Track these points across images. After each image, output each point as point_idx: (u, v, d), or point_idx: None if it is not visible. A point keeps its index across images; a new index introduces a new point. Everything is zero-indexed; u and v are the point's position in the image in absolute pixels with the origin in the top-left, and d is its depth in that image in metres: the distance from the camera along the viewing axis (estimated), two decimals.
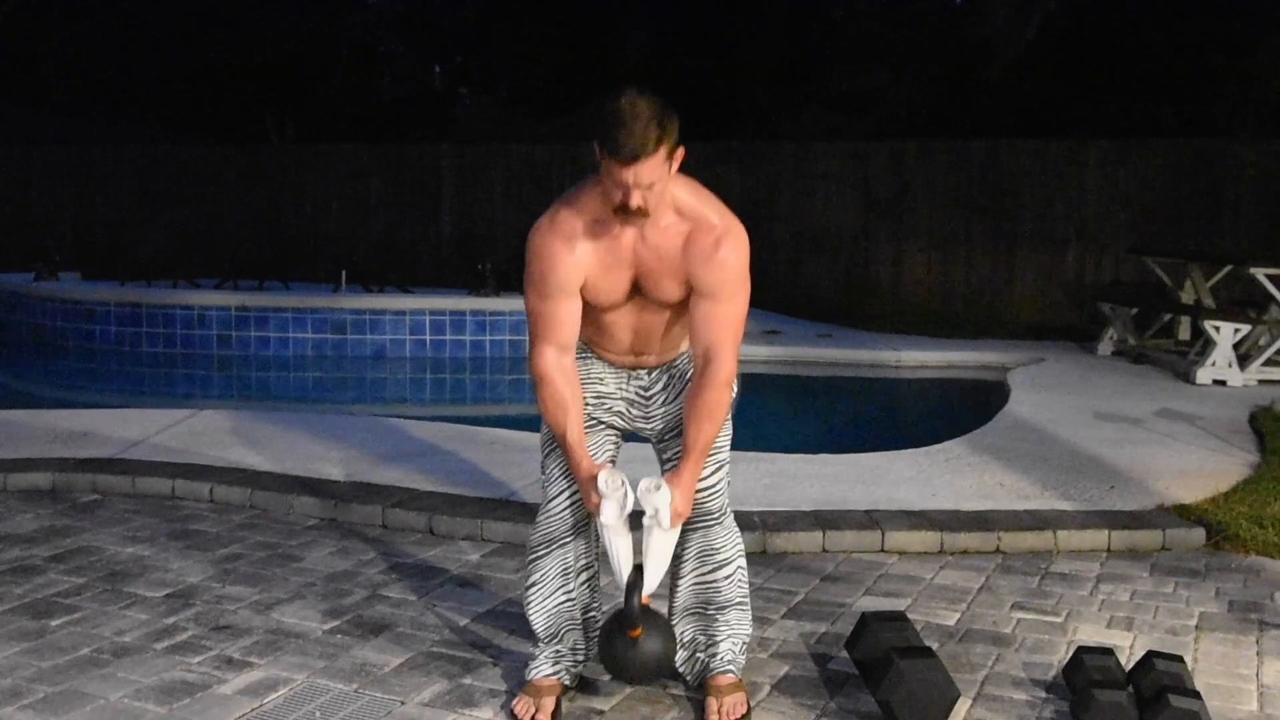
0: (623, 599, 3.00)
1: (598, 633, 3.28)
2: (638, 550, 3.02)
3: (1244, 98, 13.46)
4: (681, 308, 3.04)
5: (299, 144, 14.91)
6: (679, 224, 2.95)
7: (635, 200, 2.81)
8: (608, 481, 2.95)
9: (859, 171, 12.62)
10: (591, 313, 3.06)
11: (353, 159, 14.21)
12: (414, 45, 19.26)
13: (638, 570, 3.00)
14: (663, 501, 2.95)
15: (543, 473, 3.25)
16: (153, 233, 14.18)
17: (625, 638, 3.01)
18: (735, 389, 3.11)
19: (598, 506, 2.97)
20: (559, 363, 3.01)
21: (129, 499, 5.20)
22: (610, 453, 3.25)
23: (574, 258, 2.95)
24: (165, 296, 10.33)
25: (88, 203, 14.66)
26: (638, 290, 3.01)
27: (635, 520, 2.97)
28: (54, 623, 3.71)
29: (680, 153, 2.86)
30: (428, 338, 10.05)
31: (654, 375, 3.19)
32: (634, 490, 2.97)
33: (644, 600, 3.02)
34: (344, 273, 10.81)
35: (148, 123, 15.76)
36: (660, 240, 2.95)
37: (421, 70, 19.14)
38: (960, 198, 12.31)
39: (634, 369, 3.19)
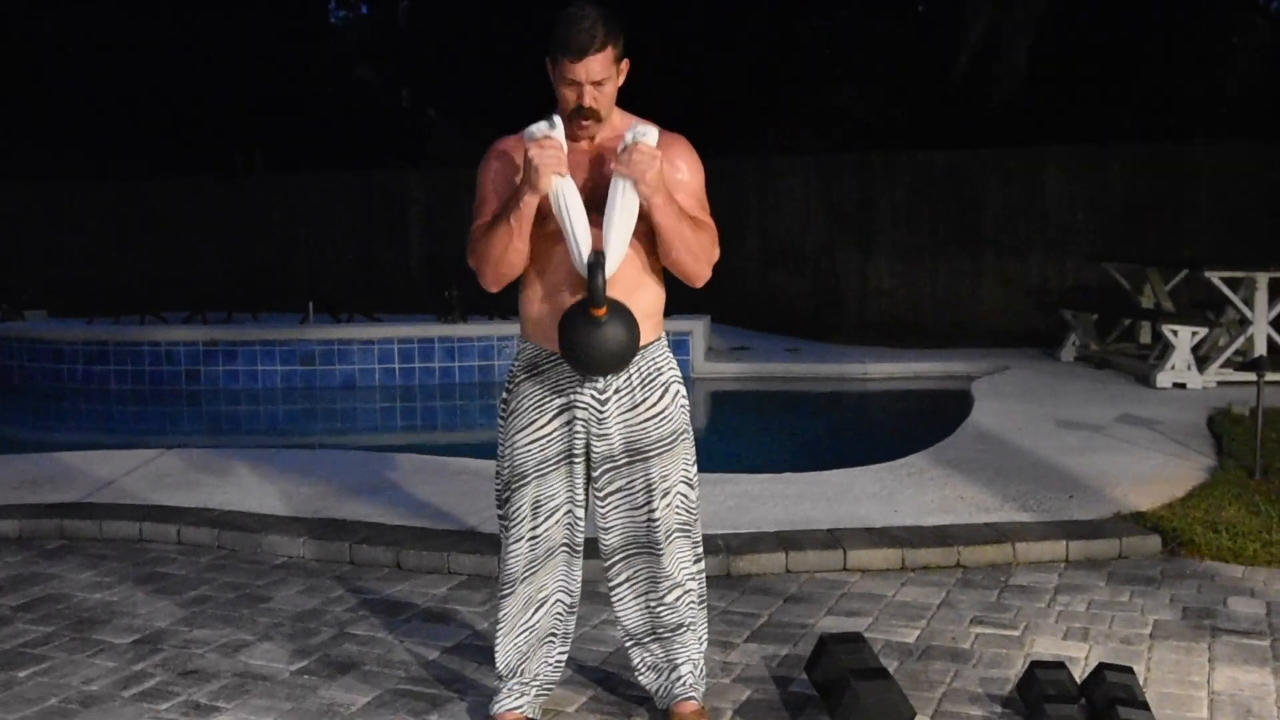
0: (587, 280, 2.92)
1: (567, 649, 3.32)
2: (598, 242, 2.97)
3: (1201, 101, 13.64)
4: (637, 244, 3.03)
5: (268, 174, 14.89)
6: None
7: (588, 98, 2.94)
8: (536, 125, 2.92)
9: (824, 185, 12.72)
10: (543, 243, 3.02)
11: (322, 188, 14.22)
12: (383, 71, 19.25)
13: (598, 253, 2.93)
14: (652, 130, 2.92)
15: (500, 512, 3.26)
16: (123, 268, 14.16)
17: (589, 318, 2.90)
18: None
19: (529, 147, 2.90)
20: None
21: (97, 543, 5.21)
22: (568, 505, 3.18)
23: (513, 167, 3.04)
24: (132, 334, 10.32)
25: (55, 239, 14.62)
26: (593, 210, 2.98)
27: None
28: (21, 674, 3.73)
29: (625, 64, 3.04)
30: (396, 366, 10.08)
31: (608, 378, 3.09)
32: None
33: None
34: (311, 304, 10.82)
35: (114, 156, 15.68)
36: (616, 143, 3.00)
37: (391, 96, 19.12)
38: (924, 208, 12.43)
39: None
